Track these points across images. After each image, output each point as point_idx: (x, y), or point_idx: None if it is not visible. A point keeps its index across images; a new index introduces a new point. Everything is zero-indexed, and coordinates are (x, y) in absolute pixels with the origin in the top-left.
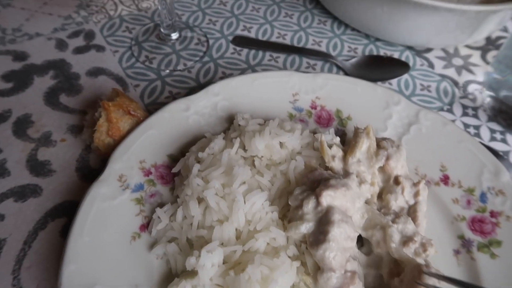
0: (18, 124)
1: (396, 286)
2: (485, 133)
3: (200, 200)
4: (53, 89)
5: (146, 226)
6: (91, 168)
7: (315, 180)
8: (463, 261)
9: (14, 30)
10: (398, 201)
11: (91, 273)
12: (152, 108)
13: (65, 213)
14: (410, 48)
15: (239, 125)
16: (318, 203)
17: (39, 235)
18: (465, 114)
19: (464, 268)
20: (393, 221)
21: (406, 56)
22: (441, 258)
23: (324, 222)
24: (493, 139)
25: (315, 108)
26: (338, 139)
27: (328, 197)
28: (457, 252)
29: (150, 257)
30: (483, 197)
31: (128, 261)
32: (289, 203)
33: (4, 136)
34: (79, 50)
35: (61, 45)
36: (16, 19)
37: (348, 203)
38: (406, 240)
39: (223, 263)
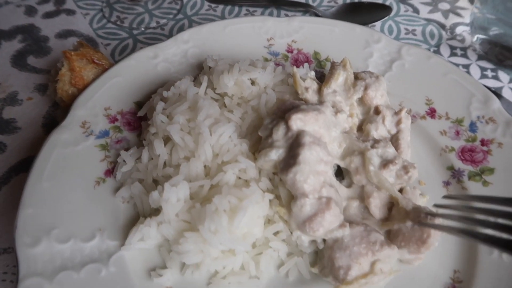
0: None
1: (395, 232)
2: (475, 71)
3: (167, 140)
4: (20, 52)
5: (111, 171)
6: (58, 123)
7: (286, 110)
8: (453, 191)
9: None
10: (379, 130)
11: (50, 217)
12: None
13: (29, 167)
14: None
15: (209, 68)
16: (288, 128)
17: (2, 190)
18: (453, 54)
19: None
20: (372, 146)
21: (389, 3)
22: (431, 190)
23: (294, 147)
24: (484, 76)
25: (292, 52)
26: (313, 73)
27: (298, 121)
28: (447, 184)
29: (116, 201)
30: (472, 127)
31: (91, 206)
32: (259, 133)
33: None
34: (48, 15)
35: (30, 11)
36: None
37: (322, 129)
38: (386, 163)
39: (192, 199)
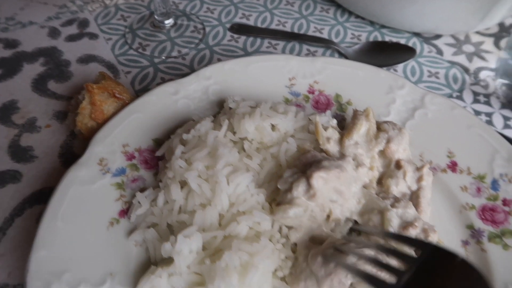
0: (3, 111)
1: None
2: (498, 121)
3: (183, 184)
4: (42, 75)
5: (126, 211)
6: (75, 154)
7: (307, 163)
8: (472, 252)
9: (7, 19)
10: (399, 186)
11: (62, 259)
12: (142, 94)
13: (44, 200)
14: (417, 35)
15: (229, 108)
16: (309, 185)
17: (15, 222)
18: (476, 101)
19: (473, 259)
20: (392, 206)
21: (413, 43)
22: None
23: None
24: (507, 126)
25: (313, 93)
26: (335, 121)
27: (319, 179)
28: (465, 243)
29: (128, 244)
30: (494, 185)
31: (104, 248)
32: (278, 186)
33: None
34: (71, 38)
35: (53, 33)
36: (10, 8)
37: (343, 187)
38: (406, 225)
39: (204, 250)
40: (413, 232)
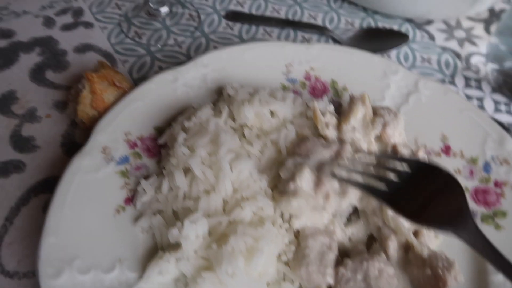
0: (2, 101)
1: None
2: (489, 105)
3: (187, 170)
4: (39, 65)
5: (131, 199)
6: (76, 143)
7: (308, 150)
8: None
9: (1, 9)
10: None
11: (71, 246)
12: (141, 83)
13: (49, 189)
14: (409, 20)
15: (228, 95)
16: (319, 182)
17: (21, 211)
18: (468, 85)
19: None
20: None
21: (406, 29)
22: None
23: None
24: (497, 110)
25: (309, 79)
26: (332, 107)
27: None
28: None
29: (135, 231)
30: (486, 167)
31: (111, 235)
32: (280, 174)
33: None
34: (66, 27)
35: (48, 22)
36: None
37: None
38: None
39: (210, 235)
40: None
